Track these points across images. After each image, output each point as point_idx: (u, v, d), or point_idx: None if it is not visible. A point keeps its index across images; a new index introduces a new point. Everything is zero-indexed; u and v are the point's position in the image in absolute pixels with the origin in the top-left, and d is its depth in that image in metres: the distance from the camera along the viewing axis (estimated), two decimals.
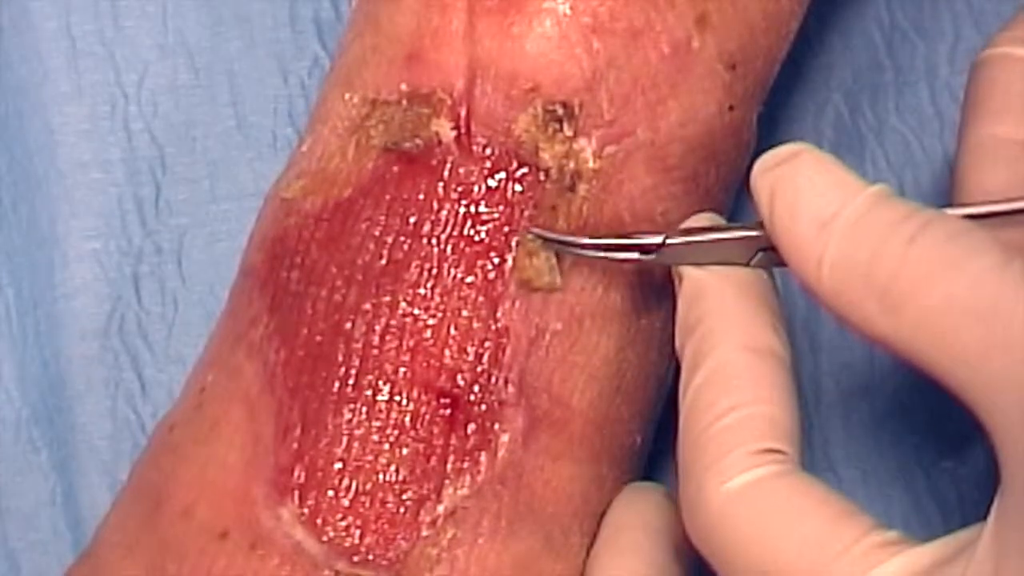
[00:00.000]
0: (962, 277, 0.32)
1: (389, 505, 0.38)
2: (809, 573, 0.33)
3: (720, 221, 0.39)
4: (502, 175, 0.38)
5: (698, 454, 0.35)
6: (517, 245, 0.38)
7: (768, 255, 0.37)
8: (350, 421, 0.38)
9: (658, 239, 0.37)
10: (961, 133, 0.41)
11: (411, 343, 0.38)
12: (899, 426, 0.46)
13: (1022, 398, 0.31)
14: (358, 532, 0.38)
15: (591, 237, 0.38)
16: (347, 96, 0.40)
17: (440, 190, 0.39)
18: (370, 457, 0.38)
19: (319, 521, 0.38)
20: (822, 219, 0.34)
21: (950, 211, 0.36)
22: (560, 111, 0.38)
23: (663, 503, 0.40)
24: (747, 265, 0.37)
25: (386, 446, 0.38)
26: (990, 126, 0.40)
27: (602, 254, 0.38)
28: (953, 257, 0.32)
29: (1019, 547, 0.31)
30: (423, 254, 0.38)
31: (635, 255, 0.38)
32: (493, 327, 0.38)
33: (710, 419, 0.35)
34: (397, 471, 0.38)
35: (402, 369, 0.38)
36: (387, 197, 0.39)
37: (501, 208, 0.38)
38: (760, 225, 0.36)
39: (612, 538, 0.39)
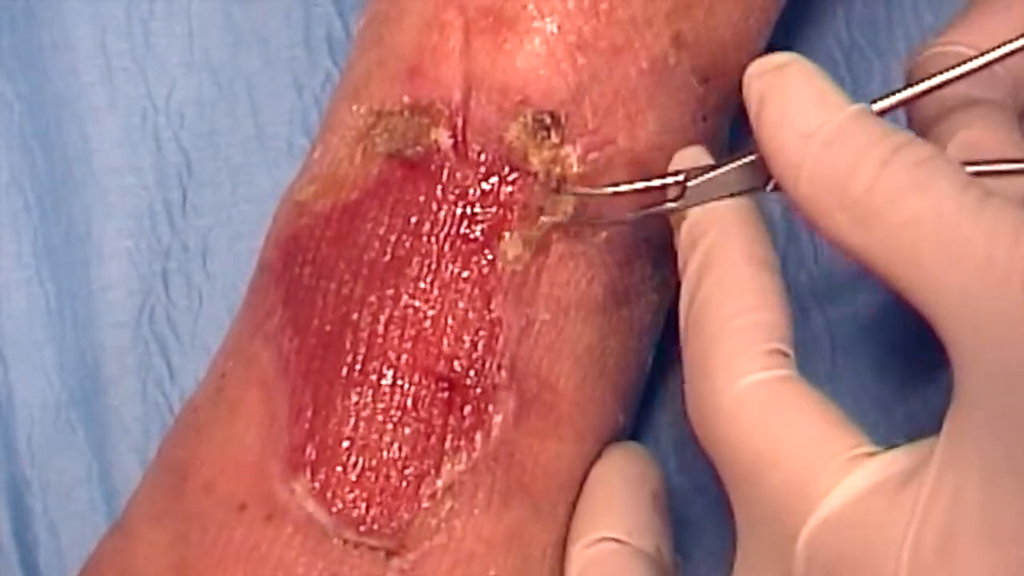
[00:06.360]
0: (927, 200, 0.32)
1: (392, 480, 0.39)
2: (801, 472, 0.34)
3: (706, 158, 0.39)
4: (495, 179, 0.39)
5: (711, 353, 0.35)
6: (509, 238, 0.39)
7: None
8: (357, 403, 0.39)
9: (678, 179, 0.38)
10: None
11: (412, 332, 0.39)
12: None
13: (975, 311, 0.31)
14: (364, 504, 0.38)
15: (614, 185, 0.39)
16: (354, 108, 0.41)
17: (439, 193, 0.39)
18: (375, 436, 0.39)
19: (329, 494, 0.38)
20: (804, 131, 0.34)
21: (884, 102, 0.36)
22: (548, 120, 0.39)
23: (639, 455, 0.41)
24: (763, 189, 0.37)
25: (390, 426, 0.39)
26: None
27: (632, 215, 0.38)
28: (920, 181, 0.33)
29: (970, 456, 0.32)
30: (423, 251, 0.39)
31: (664, 207, 0.38)
32: (487, 317, 0.39)
33: (721, 321, 0.36)
34: (400, 448, 0.39)
35: (404, 356, 0.39)
36: (390, 199, 0.40)
37: (494, 209, 0.39)
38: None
39: (592, 490, 0.40)
